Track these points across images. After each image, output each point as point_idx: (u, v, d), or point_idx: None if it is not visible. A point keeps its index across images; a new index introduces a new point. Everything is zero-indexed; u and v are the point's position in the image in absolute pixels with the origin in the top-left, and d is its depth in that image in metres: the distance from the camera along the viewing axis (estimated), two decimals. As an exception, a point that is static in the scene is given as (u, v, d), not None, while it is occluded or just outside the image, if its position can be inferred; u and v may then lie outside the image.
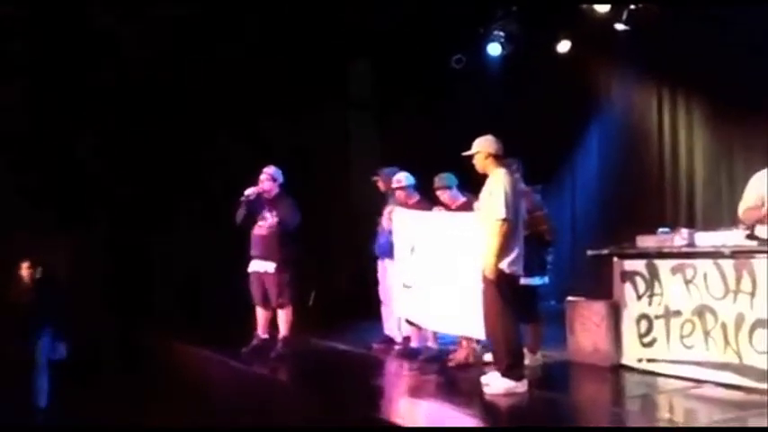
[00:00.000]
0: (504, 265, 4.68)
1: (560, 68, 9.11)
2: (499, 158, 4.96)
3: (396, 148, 9.45)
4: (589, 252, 5.69)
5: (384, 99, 10.43)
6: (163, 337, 7.54)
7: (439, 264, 5.58)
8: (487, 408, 4.61)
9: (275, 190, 6.51)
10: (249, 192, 6.44)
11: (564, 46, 9.11)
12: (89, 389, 6.59)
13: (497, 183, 4.77)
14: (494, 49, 9.48)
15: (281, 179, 6.56)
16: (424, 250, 5.79)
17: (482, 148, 4.97)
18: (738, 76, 7.38)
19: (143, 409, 6.14)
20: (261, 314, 6.54)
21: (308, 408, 5.18)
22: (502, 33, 9.37)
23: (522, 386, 4.71)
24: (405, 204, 6.23)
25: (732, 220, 5.81)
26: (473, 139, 5.02)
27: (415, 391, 5.39)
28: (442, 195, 5.91)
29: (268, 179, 6.49)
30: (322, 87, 9.73)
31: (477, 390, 4.83)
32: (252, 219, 6.50)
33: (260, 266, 6.45)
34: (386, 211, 6.40)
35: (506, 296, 4.68)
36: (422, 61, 9.76)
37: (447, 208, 5.91)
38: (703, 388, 4.74)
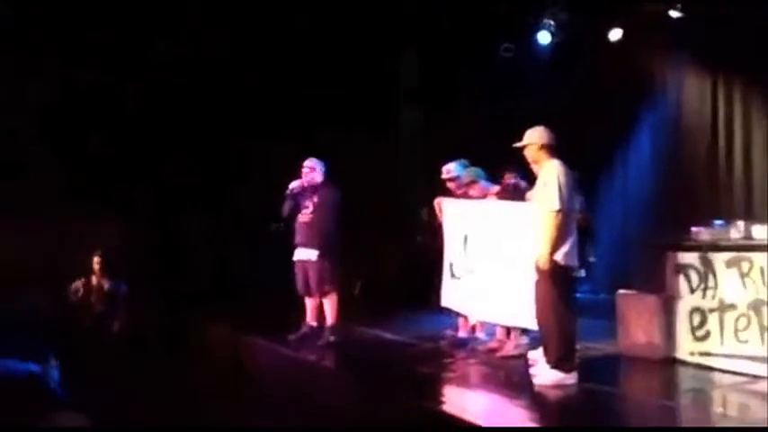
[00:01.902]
0: (558, 256, 4.66)
1: (612, 57, 8.96)
2: (552, 149, 4.92)
3: (444, 139, 9.49)
4: (646, 245, 5.58)
5: (432, 90, 10.40)
6: (212, 323, 7.67)
7: (491, 254, 5.60)
8: (536, 398, 4.60)
9: (318, 179, 6.59)
10: (294, 185, 6.54)
11: (616, 34, 8.96)
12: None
13: (551, 173, 4.75)
14: (544, 38, 9.39)
15: (322, 169, 6.64)
16: (476, 240, 5.80)
17: (534, 139, 4.93)
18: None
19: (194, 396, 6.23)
20: (308, 302, 6.63)
21: (352, 394, 5.23)
22: (552, 22, 9.27)
23: (571, 378, 4.70)
24: (455, 195, 6.23)
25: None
26: (523, 130, 5.00)
27: (462, 381, 5.37)
28: (473, 190, 5.93)
29: (310, 171, 6.58)
30: (373, 78, 9.77)
31: (525, 381, 4.84)
32: (297, 210, 6.59)
33: (303, 254, 6.53)
34: (435, 202, 6.40)
35: (560, 288, 4.66)
36: (470, 51, 9.72)
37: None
38: (758, 383, 4.66)
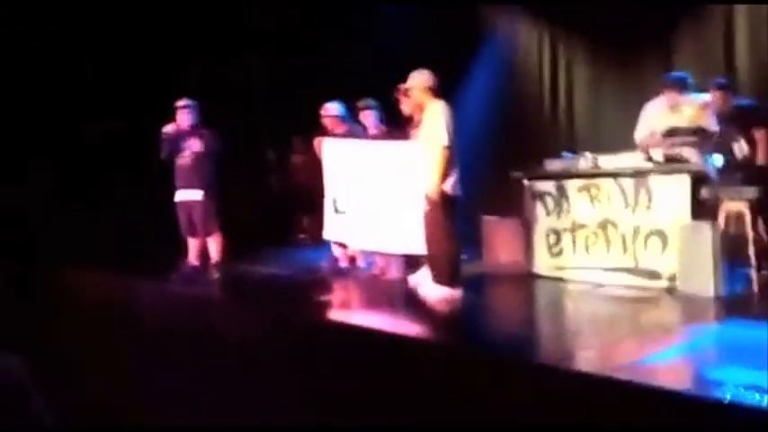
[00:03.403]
0: (446, 187, 5.25)
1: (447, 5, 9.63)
2: (435, 91, 5.45)
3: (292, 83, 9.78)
4: (511, 174, 6.32)
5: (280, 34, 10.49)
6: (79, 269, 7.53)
7: (375, 189, 6.08)
8: (431, 310, 5.18)
9: (193, 121, 6.68)
10: (168, 128, 6.59)
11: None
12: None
13: (438, 112, 5.29)
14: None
15: (196, 110, 6.74)
16: (358, 177, 6.25)
17: (419, 82, 5.44)
18: (612, 17, 8.25)
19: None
20: (191, 243, 6.77)
21: (250, 321, 5.52)
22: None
23: (458, 292, 5.36)
24: (333, 133, 6.62)
25: (608, 146, 6.75)
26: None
27: (359, 301, 5.89)
28: (366, 116, 6.37)
29: (186, 110, 6.65)
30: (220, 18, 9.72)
31: (416, 297, 5.43)
32: (175, 152, 6.65)
33: (187, 195, 6.65)
34: (314, 141, 6.75)
35: (449, 215, 5.27)
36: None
37: (366, 131, 6.42)
38: (605, 288, 5.60)
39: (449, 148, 5.22)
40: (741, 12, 7.38)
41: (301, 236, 10.10)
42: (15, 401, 2.37)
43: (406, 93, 5.61)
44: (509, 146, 8.87)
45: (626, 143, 7.28)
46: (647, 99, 7.79)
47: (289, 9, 10.08)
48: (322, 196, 6.78)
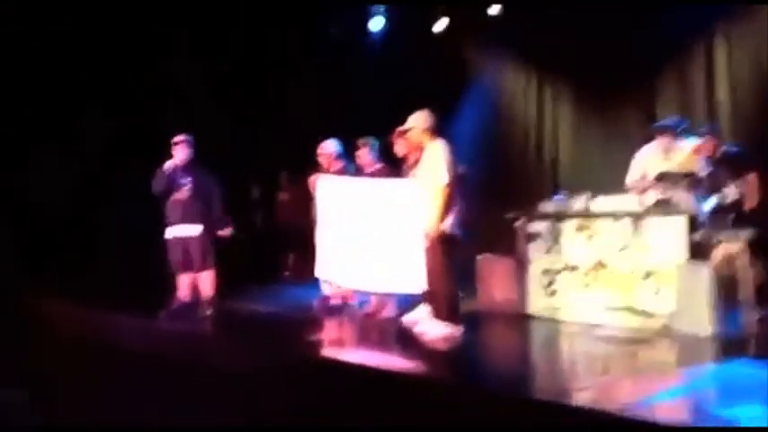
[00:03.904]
0: (446, 226, 5.28)
1: (437, 47, 9.80)
2: (434, 131, 5.52)
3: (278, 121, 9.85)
4: (506, 215, 6.38)
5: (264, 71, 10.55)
6: (63, 303, 7.39)
7: (370, 227, 6.08)
8: (431, 350, 5.17)
9: (190, 156, 6.66)
10: (168, 165, 6.56)
11: (440, 25, 9.81)
12: None
13: (438, 151, 5.34)
14: (376, 24, 10.01)
15: (192, 146, 6.72)
16: (352, 215, 6.26)
17: (419, 123, 5.51)
18: (596, 63, 8.46)
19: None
20: (182, 279, 6.69)
21: (245, 357, 5.44)
22: (383, 9, 9.92)
23: (459, 330, 5.35)
24: (329, 171, 6.64)
25: (592, 187, 6.88)
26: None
27: (356, 339, 5.85)
28: (363, 154, 6.40)
29: (182, 147, 6.63)
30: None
31: (414, 336, 5.41)
32: (171, 187, 6.62)
33: (183, 231, 6.60)
34: (309, 179, 6.75)
35: (448, 254, 5.29)
36: (303, 32, 10.07)
37: (361, 169, 6.45)
38: (600, 329, 5.61)
39: (449, 186, 5.26)
40: (722, 51, 7.60)
41: (286, 273, 10.06)
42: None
43: (403, 134, 5.66)
44: (495, 186, 8.96)
45: (610, 185, 7.47)
46: (631, 141, 8.09)
47: (278, 47, 10.18)
48: (309, 234, 6.79)
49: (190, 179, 6.55)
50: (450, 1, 9.58)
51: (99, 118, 8.89)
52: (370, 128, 6.71)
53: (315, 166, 6.79)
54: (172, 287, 6.75)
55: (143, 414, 5.10)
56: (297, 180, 9.76)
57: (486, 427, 3.69)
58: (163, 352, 6.16)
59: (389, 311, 6.21)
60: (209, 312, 6.57)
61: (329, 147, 6.68)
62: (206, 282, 6.64)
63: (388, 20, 9.95)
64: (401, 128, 5.62)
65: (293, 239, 9.89)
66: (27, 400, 3.36)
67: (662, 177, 5.81)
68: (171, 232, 6.61)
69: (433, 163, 5.34)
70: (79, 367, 5.89)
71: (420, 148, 5.59)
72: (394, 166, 6.29)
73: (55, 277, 7.69)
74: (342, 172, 6.62)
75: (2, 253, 8.12)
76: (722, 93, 7.55)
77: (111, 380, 5.63)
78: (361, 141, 6.44)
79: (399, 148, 5.99)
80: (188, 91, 9.48)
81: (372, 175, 6.35)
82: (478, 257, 6.57)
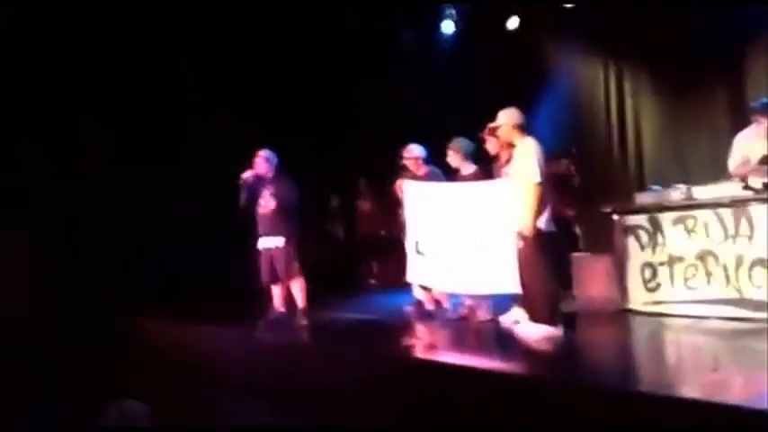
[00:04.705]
0: (540, 223, 5.19)
1: (510, 44, 9.68)
2: (523, 128, 5.43)
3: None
4: (602, 210, 6.23)
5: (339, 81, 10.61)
6: (166, 319, 7.58)
7: (461, 229, 6.03)
8: (533, 350, 5.07)
9: (271, 171, 6.77)
10: (246, 175, 6.68)
11: (513, 23, 9.69)
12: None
13: (529, 149, 5.26)
14: (447, 27, 9.97)
15: (275, 160, 6.82)
16: (442, 219, 6.22)
17: (508, 119, 5.43)
18: (677, 48, 8.19)
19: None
20: (275, 290, 6.79)
21: (344, 371, 5.45)
22: (454, 11, 9.87)
23: (558, 330, 5.23)
24: (415, 175, 6.62)
25: (678, 179, 6.67)
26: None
27: (455, 344, 5.78)
28: (455, 156, 6.34)
29: (263, 162, 6.75)
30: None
31: (514, 338, 5.34)
32: (254, 200, 6.74)
33: (269, 242, 6.70)
34: (396, 184, 6.74)
35: (544, 251, 5.19)
36: (378, 41, 10.10)
37: (454, 172, 6.40)
38: (707, 322, 5.41)
39: (541, 184, 5.17)
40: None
41: (371, 281, 10.09)
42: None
43: (494, 131, 5.60)
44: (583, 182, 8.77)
45: (702, 173, 7.23)
46: (719, 128, 7.82)
47: (352, 53, 10.22)
48: (393, 241, 6.77)
49: (271, 192, 6.63)
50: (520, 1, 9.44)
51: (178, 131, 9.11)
52: (448, 131, 6.67)
53: (398, 172, 6.78)
54: (269, 298, 6.86)
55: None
56: (376, 187, 9.85)
57: (596, 424, 3.58)
58: (262, 363, 6.26)
59: (484, 314, 6.13)
60: (305, 322, 6.62)
61: (415, 150, 6.67)
62: (297, 292, 6.70)
63: (458, 21, 9.87)
64: (492, 124, 5.55)
65: (375, 247, 9.96)
66: (148, 410, 3.46)
67: (766, 160, 5.55)
68: (260, 244, 6.73)
69: (525, 161, 5.25)
70: (183, 381, 6.00)
71: (511, 146, 5.52)
72: (486, 167, 6.23)
73: (155, 297, 7.89)
74: (428, 175, 6.58)
75: (100, 279, 8.39)
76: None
77: (214, 391, 5.73)
78: (451, 145, 6.38)
79: (491, 146, 5.92)
80: (267, 103, 9.61)
81: (467, 178, 6.28)
82: (574, 255, 6.41)
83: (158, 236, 8.51)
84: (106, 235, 8.58)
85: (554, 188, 5.52)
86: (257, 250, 6.79)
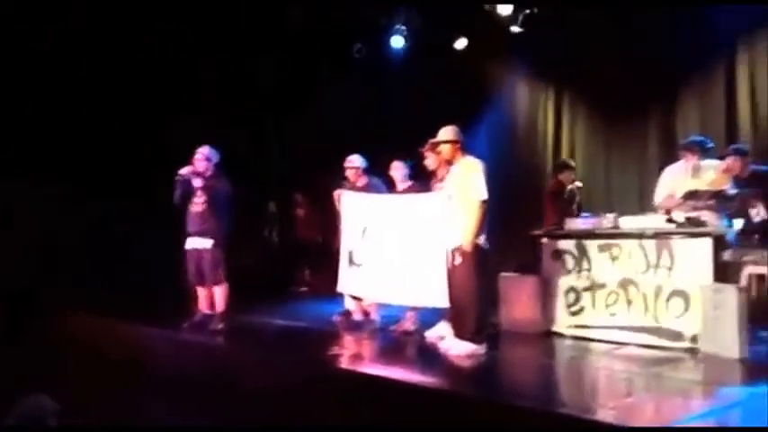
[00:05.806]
0: (481, 240, 5.28)
1: (456, 65, 9.83)
2: (463, 146, 5.53)
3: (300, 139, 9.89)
4: (531, 233, 6.38)
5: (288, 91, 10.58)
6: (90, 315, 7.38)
7: (395, 241, 6.07)
8: (455, 366, 5.15)
9: (210, 168, 6.67)
10: (184, 171, 6.58)
11: (461, 43, 9.84)
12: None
13: (473, 167, 5.36)
14: (397, 42, 10.05)
15: (215, 159, 6.73)
16: (377, 231, 6.25)
17: (451, 136, 5.52)
18: (615, 81, 8.47)
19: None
20: (200, 291, 6.70)
21: (265, 371, 5.41)
22: (404, 27, 9.96)
23: (482, 348, 5.32)
24: (354, 186, 6.64)
25: (605, 207, 6.92)
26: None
27: (379, 355, 5.83)
28: (397, 169, 6.45)
29: (203, 159, 6.65)
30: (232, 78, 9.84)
31: (437, 353, 5.41)
32: (188, 197, 6.63)
33: (197, 243, 6.60)
34: (335, 193, 6.75)
35: (480, 269, 5.28)
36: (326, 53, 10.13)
37: (392, 185, 6.50)
38: (625, 348, 5.57)
39: (486, 202, 5.27)
40: (743, 66, 7.58)
41: (302, 288, 10.06)
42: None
43: (434, 147, 5.67)
44: (511, 204, 8.94)
45: (628, 204, 7.50)
46: (646, 160, 8.11)
47: (297, 64, 10.22)
48: (326, 249, 6.77)
49: (205, 191, 6.54)
50: (469, 23, 9.59)
51: (123, 127, 8.93)
52: (392, 144, 6.73)
53: (338, 182, 6.80)
54: (194, 299, 6.76)
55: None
56: (311, 197, 9.87)
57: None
58: (184, 363, 6.16)
59: (410, 325, 6.18)
60: (220, 327, 6.54)
61: (356, 161, 6.71)
62: (218, 296, 6.62)
63: (408, 37, 9.97)
64: (433, 140, 5.62)
65: (308, 255, 9.95)
66: (58, 407, 3.37)
67: (690, 196, 5.78)
68: (188, 244, 6.62)
69: (468, 179, 5.34)
70: (104, 377, 5.87)
71: (450, 163, 5.59)
72: (423, 183, 6.31)
73: (83, 291, 7.68)
74: (367, 186, 6.62)
75: (27, 268, 8.12)
76: (743, 111, 7.53)
77: (135, 390, 5.61)
78: (395, 162, 6.46)
79: (430, 161, 5.99)
80: (211, 104, 9.51)
81: (403, 191, 6.36)
82: (501, 275, 6.52)
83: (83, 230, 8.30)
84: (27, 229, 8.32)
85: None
86: (184, 249, 6.67)
